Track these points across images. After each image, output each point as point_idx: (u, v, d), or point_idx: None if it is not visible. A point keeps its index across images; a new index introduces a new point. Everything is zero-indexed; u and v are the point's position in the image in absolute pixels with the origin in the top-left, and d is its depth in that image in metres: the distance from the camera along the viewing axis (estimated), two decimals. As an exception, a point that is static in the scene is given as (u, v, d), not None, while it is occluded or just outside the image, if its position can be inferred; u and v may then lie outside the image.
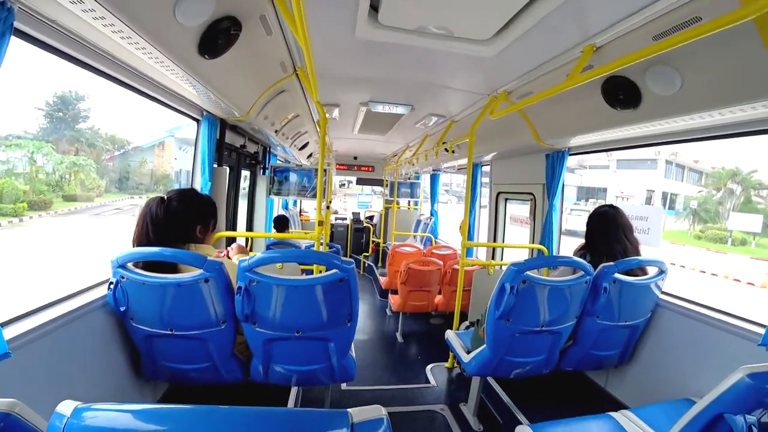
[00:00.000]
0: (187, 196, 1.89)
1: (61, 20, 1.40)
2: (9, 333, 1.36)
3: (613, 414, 1.81)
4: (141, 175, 24.55)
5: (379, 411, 0.76)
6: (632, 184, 29.33)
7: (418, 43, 2.09)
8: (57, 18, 1.39)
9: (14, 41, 1.23)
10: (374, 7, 1.82)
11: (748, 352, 1.84)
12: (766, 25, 1.38)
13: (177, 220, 1.79)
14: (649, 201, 28.63)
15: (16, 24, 1.21)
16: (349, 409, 0.75)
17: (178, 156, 24.60)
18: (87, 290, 1.90)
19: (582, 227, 2.56)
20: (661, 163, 29.18)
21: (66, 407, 0.70)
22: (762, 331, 1.85)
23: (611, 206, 2.47)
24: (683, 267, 17.25)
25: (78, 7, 1.25)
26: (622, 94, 2.16)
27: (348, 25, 1.99)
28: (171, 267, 1.74)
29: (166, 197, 1.80)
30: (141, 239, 1.74)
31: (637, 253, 2.35)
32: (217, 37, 1.78)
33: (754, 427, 0.95)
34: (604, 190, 30.88)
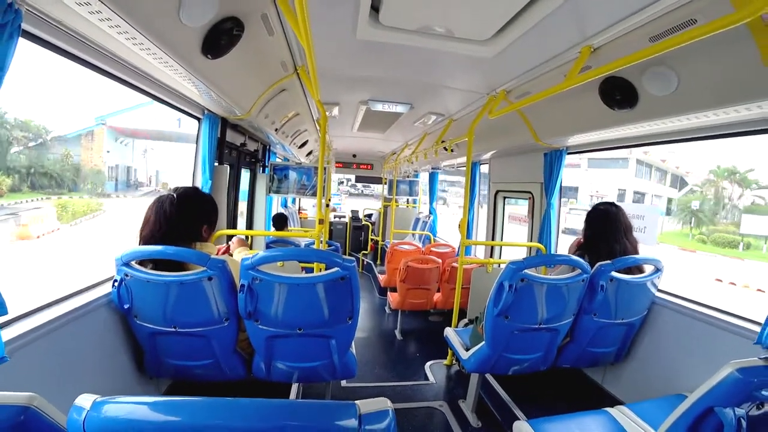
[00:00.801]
0: (197, 195, 1.92)
1: (67, 21, 1.42)
2: (14, 331, 1.38)
3: (609, 409, 1.84)
4: (63, 171, 19.78)
5: (384, 403, 0.79)
6: (603, 182, 29.11)
7: (418, 43, 2.11)
8: (63, 19, 1.41)
9: (21, 42, 1.25)
10: (375, 8, 1.84)
11: (741, 348, 1.87)
12: (759, 28, 1.41)
13: (188, 219, 1.81)
14: (620, 200, 28.55)
15: (24, 25, 1.22)
16: (356, 401, 0.77)
17: (111, 148, 20.86)
18: (91, 288, 1.92)
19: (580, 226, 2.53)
20: (632, 161, 29.14)
21: (85, 400, 0.72)
22: (754, 327, 1.89)
23: (613, 204, 2.42)
24: (733, 285, 14.27)
25: (85, 9, 1.27)
26: (619, 94, 2.19)
27: (349, 25, 2.01)
28: (178, 264, 1.77)
29: (176, 195, 1.82)
30: (153, 235, 1.76)
31: (636, 254, 2.33)
32: (220, 38, 1.80)
33: (742, 420, 0.98)
34: (575, 189, 30.45)
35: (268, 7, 1.87)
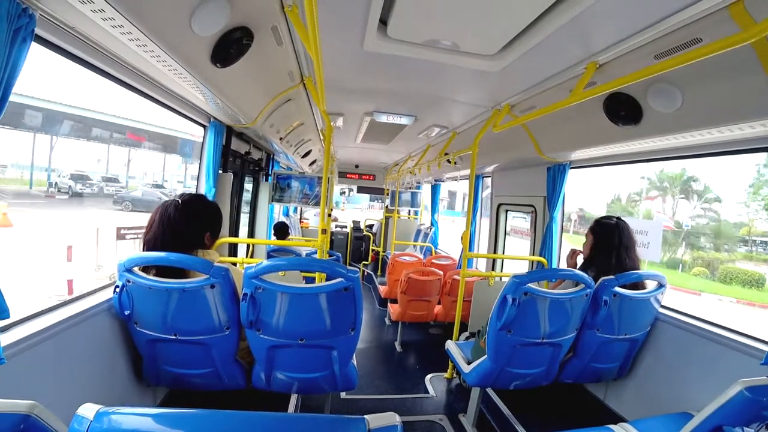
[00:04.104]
0: (202, 202, 1.92)
1: (80, 27, 1.44)
2: (13, 336, 1.37)
3: (612, 426, 1.81)
4: None
5: (393, 418, 0.77)
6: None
7: (425, 56, 2.14)
8: (76, 25, 1.43)
9: (34, 47, 1.26)
10: (383, 21, 1.87)
11: (746, 366, 1.85)
12: (765, 48, 1.43)
13: (191, 225, 1.81)
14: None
15: (37, 30, 1.24)
16: (365, 416, 0.76)
17: None
18: (92, 293, 1.91)
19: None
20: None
21: (88, 410, 0.71)
22: (759, 345, 1.87)
23: (620, 218, 2.38)
24: None
25: (98, 16, 1.28)
26: (623, 110, 2.20)
27: (357, 37, 2.04)
28: (180, 271, 1.76)
29: (181, 201, 1.82)
30: (156, 242, 1.76)
31: (638, 269, 2.32)
32: (230, 47, 1.82)
33: None
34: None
35: (278, 19, 1.90)
